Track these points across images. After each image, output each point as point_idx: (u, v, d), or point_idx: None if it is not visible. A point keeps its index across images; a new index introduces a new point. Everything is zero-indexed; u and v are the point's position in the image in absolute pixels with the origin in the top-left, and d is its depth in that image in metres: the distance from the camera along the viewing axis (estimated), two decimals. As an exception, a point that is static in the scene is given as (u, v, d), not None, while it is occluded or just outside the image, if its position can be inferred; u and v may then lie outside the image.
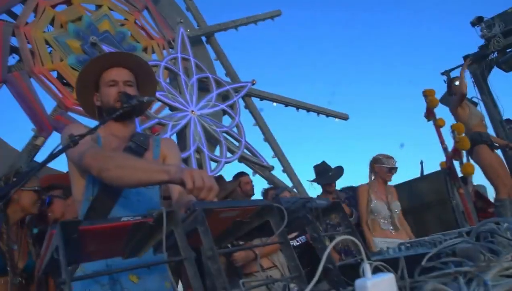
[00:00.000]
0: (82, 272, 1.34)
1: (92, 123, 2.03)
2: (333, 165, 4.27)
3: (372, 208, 3.88)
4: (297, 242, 3.36)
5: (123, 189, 1.53)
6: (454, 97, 4.92)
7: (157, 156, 1.68)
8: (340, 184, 4.43)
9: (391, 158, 4.05)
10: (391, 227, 3.79)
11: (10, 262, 2.47)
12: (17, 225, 2.70)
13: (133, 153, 1.58)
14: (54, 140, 4.55)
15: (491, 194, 5.11)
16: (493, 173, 4.53)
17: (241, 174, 4.49)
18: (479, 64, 7.21)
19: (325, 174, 4.16)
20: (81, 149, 1.41)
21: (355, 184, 4.40)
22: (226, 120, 6.32)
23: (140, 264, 0.92)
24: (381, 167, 4.01)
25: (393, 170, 4.03)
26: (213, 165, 5.60)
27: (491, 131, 5.61)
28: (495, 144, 4.74)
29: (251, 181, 4.43)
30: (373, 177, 4.07)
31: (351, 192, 4.38)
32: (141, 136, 1.66)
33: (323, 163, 4.26)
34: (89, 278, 1.33)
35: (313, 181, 4.25)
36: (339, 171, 4.22)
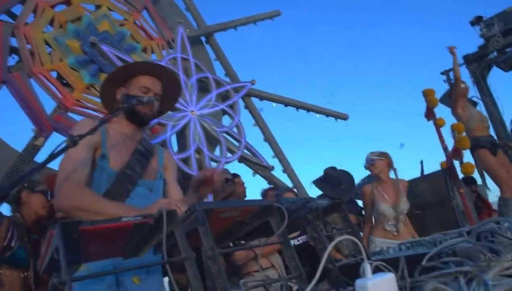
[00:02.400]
0: (88, 271, 1.35)
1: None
2: (333, 165, 4.03)
3: (376, 209, 3.82)
4: (298, 241, 3.34)
5: (129, 192, 1.55)
6: (453, 97, 4.89)
7: (161, 163, 1.75)
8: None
9: (371, 153, 3.88)
10: (394, 229, 3.69)
11: (33, 257, 2.65)
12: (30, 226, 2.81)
13: (142, 155, 1.64)
14: (54, 140, 4.55)
15: (493, 194, 5.14)
16: (494, 175, 4.56)
17: (234, 176, 4.42)
18: (479, 63, 7.22)
19: (336, 185, 3.73)
20: (61, 175, 1.44)
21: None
22: (226, 120, 6.33)
23: (143, 264, 0.93)
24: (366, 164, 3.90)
25: (367, 165, 3.85)
26: (213, 165, 5.60)
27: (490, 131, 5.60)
28: (497, 145, 4.73)
29: (243, 183, 4.30)
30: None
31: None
32: (148, 143, 1.74)
33: (333, 169, 3.84)
34: (90, 278, 1.33)
35: (323, 192, 3.84)
36: (350, 185, 3.90)
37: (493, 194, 5.26)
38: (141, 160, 1.62)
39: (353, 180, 3.90)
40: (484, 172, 4.72)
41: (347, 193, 3.79)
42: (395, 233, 3.68)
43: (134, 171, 1.57)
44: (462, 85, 4.80)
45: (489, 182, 4.92)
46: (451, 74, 6.65)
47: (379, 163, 3.85)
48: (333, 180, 3.78)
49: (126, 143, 1.63)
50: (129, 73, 1.71)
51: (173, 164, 1.86)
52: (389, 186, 3.84)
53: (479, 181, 5.25)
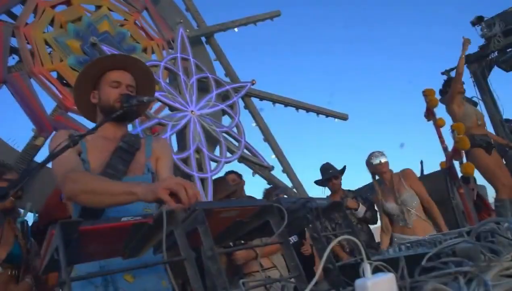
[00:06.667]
0: (74, 274, 1.34)
1: (90, 122, 2.01)
2: (333, 165, 4.30)
3: (385, 210, 3.84)
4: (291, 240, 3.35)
5: None
6: (449, 92, 4.83)
7: (149, 155, 1.68)
8: (345, 185, 4.38)
9: (375, 153, 3.95)
10: (407, 222, 3.70)
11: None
12: None
13: (124, 152, 1.59)
14: (54, 140, 4.53)
15: (491, 194, 5.11)
16: (490, 175, 4.52)
17: (228, 173, 4.48)
18: (480, 63, 7.20)
19: (326, 171, 4.22)
20: (60, 171, 1.43)
21: (357, 185, 4.41)
22: (226, 120, 6.32)
23: (137, 264, 0.92)
24: (372, 166, 3.96)
25: (378, 166, 3.89)
26: (213, 165, 5.60)
27: (491, 130, 5.57)
28: (492, 144, 4.69)
29: (238, 179, 4.34)
30: (377, 177, 4.01)
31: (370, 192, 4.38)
32: (132, 137, 1.67)
33: (327, 163, 4.30)
34: (84, 279, 1.33)
35: (316, 182, 4.30)
36: (339, 169, 4.22)
37: (489, 195, 5.24)
38: (124, 156, 1.58)
39: (343, 168, 4.30)
40: (479, 172, 4.67)
41: (333, 173, 4.20)
42: (410, 227, 3.69)
43: (116, 169, 1.54)
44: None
45: (485, 182, 4.87)
46: (452, 74, 6.59)
47: (386, 163, 3.92)
48: (325, 169, 4.29)
49: (107, 145, 1.61)
50: (96, 73, 1.69)
51: (165, 152, 1.75)
52: (390, 182, 3.87)
53: (479, 181, 5.22)
